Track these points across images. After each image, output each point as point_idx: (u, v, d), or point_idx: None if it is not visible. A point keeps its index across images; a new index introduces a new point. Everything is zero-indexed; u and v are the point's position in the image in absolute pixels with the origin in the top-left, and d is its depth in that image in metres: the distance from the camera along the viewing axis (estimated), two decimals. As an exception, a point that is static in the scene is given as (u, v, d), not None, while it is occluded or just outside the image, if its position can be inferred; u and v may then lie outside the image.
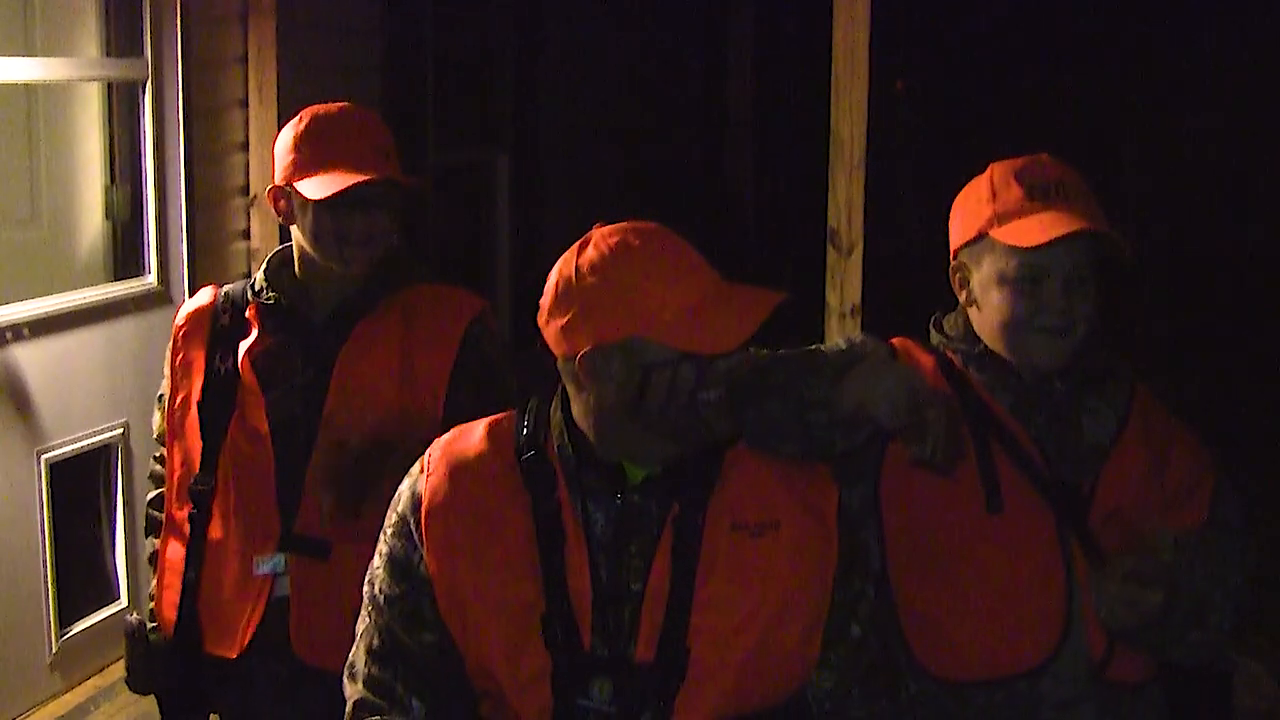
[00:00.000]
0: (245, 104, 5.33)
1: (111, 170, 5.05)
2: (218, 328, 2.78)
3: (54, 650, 4.49)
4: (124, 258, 5.07)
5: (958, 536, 2.28)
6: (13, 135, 4.91)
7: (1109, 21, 12.35)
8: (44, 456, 4.43)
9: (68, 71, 4.80)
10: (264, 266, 2.81)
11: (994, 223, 2.30)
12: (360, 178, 2.64)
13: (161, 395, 2.87)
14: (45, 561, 4.43)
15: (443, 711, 2.06)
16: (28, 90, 4.87)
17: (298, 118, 2.77)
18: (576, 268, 2.00)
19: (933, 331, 2.41)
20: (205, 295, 2.85)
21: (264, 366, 2.73)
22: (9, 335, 4.27)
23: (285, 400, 2.71)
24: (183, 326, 2.83)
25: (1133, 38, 12.38)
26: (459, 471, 2.07)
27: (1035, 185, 2.30)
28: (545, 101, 8.13)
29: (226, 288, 2.85)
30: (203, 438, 2.74)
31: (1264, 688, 2.50)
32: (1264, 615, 2.57)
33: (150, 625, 2.83)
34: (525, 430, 2.07)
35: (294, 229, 2.76)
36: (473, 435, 2.11)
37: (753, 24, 11.35)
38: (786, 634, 2.00)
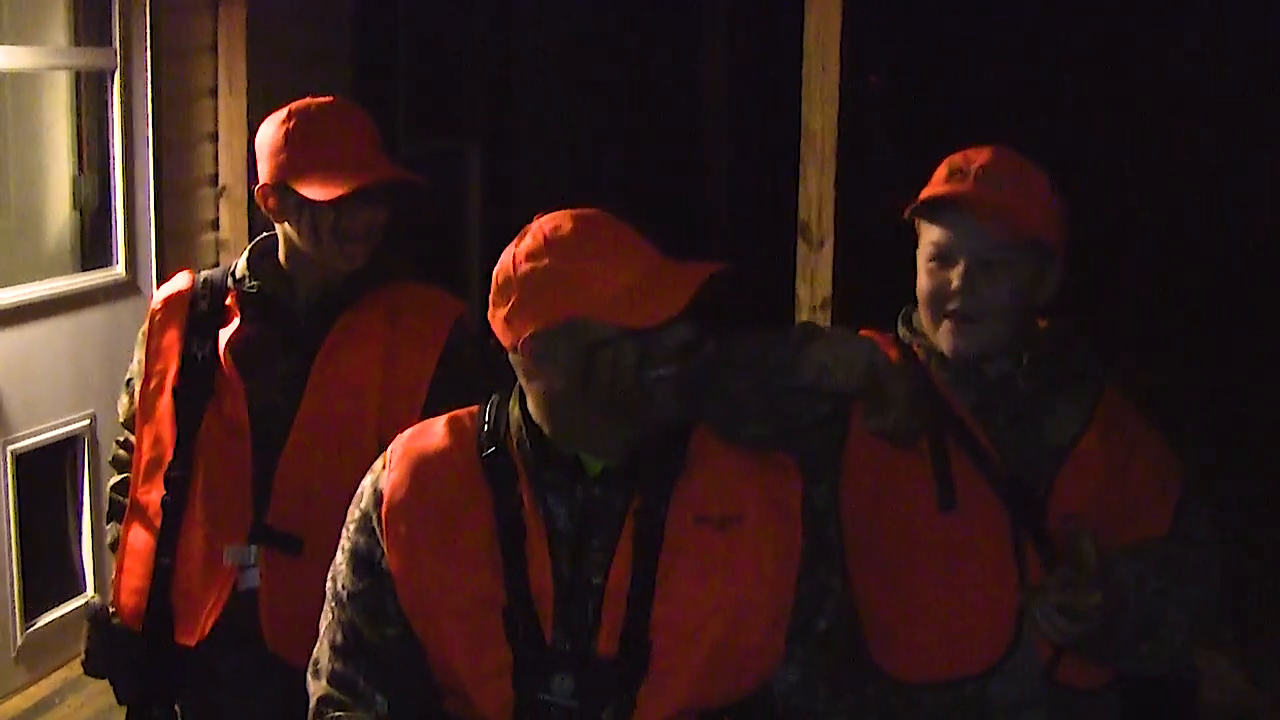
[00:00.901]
0: (215, 93, 5.30)
1: (79, 160, 5.02)
2: (196, 313, 2.76)
3: (19, 642, 4.47)
4: (92, 248, 5.04)
5: (910, 534, 2.26)
6: (-21, 124, 4.89)
7: (1089, 16, 12.39)
8: (10, 447, 4.40)
9: (35, 60, 4.77)
10: (246, 255, 2.79)
11: (917, 205, 2.31)
12: (365, 179, 2.64)
13: (130, 379, 2.85)
14: (11, 553, 4.41)
15: (407, 706, 2.05)
16: (-6, 78, 4.84)
17: (285, 114, 2.73)
18: (514, 257, 2.01)
19: (900, 325, 2.40)
20: (183, 280, 2.83)
21: (244, 355, 2.71)
22: (-24, 325, 4.25)
23: (264, 389, 2.69)
24: (159, 310, 2.80)
25: (1114, 32, 12.41)
26: (420, 467, 2.07)
27: (958, 168, 2.29)
28: (518, 91, 8.12)
29: (205, 273, 2.83)
30: (177, 424, 2.71)
31: (1231, 682, 2.50)
32: (1235, 613, 2.56)
33: (111, 609, 2.80)
34: (486, 426, 2.07)
35: (285, 225, 2.74)
36: (434, 431, 2.10)
37: (726, 15, 11.35)
38: (750, 628, 1.99)
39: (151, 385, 2.76)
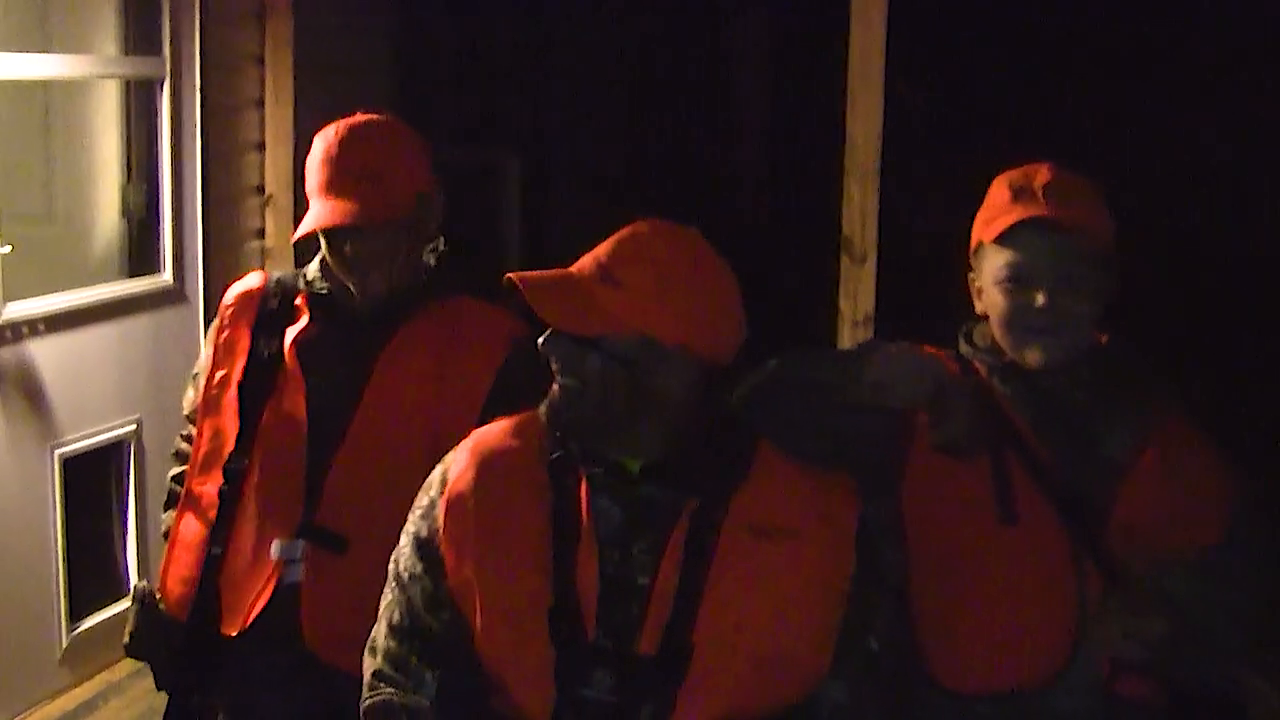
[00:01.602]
0: (261, 103, 5.34)
1: (128, 168, 5.06)
2: (266, 311, 2.79)
3: (64, 645, 4.50)
4: (139, 255, 5.08)
5: (971, 547, 2.28)
6: (29, 132, 4.93)
7: (1128, 29, 12.34)
8: (57, 451, 4.44)
9: (85, 68, 4.81)
10: (319, 258, 2.81)
11: (984, 227, 2.33)
12: (330, 221, 2.65)
13: (197, 373, 2.88)
14: (57, 556, 4.44)
15: (457, 688, 2.09)
16: (45, 87, 4.89)
17: (326, 130, 2.76)
18: None
19: (961, 342, 2.42)
20: (256, 278, 2.87)
21: (308, 354, 2.74)
22: (24, 330, 4.28)
23: (324, 389, 2.72)
24: (230, 306, 2.84)
25: (1151, 45, 12.36)
26: (487, 462, 2.12)
27: (1022, 187, 2.32)
28: (555, 103, 8.15)
29: (277, 274, 2.87)
30: (241, 418, 2.75)
31: (1275, 703, 2.49)
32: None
33: (157, 597, 2.83)
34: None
35: None
36: (508, 429, 2.16)
37: (767, 27, 11.34)
38: (794, 643, 2.00)
39: (217, 379, 2.79)
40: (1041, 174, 2.33)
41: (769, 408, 2.09)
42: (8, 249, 4.07)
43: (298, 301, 2.79)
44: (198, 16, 4.95)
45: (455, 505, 2.10)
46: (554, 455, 2.08)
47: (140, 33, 4.94)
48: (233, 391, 2.77)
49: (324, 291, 2.77)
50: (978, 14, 12.65)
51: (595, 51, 8.65)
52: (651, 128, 9.33)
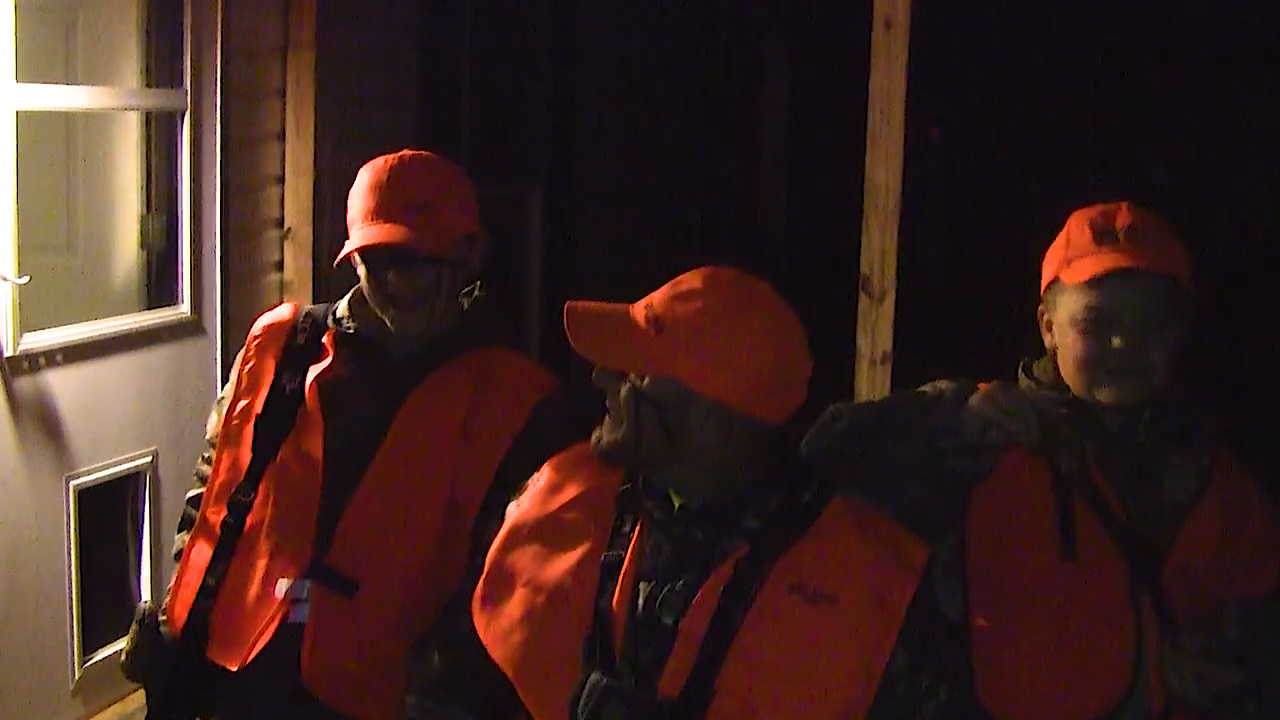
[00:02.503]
0: (282, 137, 5.35)
1: (148, 199, 5.07)
2: (293, 345, 2.78)
3: (77, 675, 4.49)
4: (158, 287, 5.09)
5: (1031, 581, 2.30)
6: (51, 163, 4.96)
7: (1150, 70, 12.34)
8: (73, 482, 4.44)
9: (107, 100, 4.84)
10: (349, 296, 2.80)
11: (1064, 266, 2.35)
12: (380, 239, 2.61)
13: (222, 399, 2.87)
14: (71, 587, 4.44)
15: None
16: (67, 118, 4.91)
17: (372, 163, 2.75)
18: None
19: (1022, 376, 2.43)
20: (286, 310, 2.86)
21: (330, 393, 2.72)
22: (42, 361, 4.29)
23: (345, 429, 2.70)
24: (258, 337, 2.83)
25: (1175, 88, 12.36)
26: (564, 482, 2.17)
27: (1104, 230, 2.34)
28: (579, 136, 8.16)
29: (308, 308, 2.85)
30: (254, 451, 2.73)
31: None
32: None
33: (162, 618, 2.82)
34: None
35: None
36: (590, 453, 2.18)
37: (788, 65, 11.37)
38: (816, 709, 1.97)
39: (239, 410, 2.79)
40: (1122, 215, 2.35)
41: (864, 454, 2.12)
42: (26, 279, 4.08)
43: (325, 340, 2.77)
44: (219, 49, 4.96)
45: (521, 513, 2.17)
46: (624, 487, 2.11)
47: (162, 65, 4.96)
48: (251, 425, 2.76)
49: (351, 330, 2.76)
50: (1002, 55, 12.67)
51: (618, 86, 8.67)
52: (673, 165, 9.35)
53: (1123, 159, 12.54)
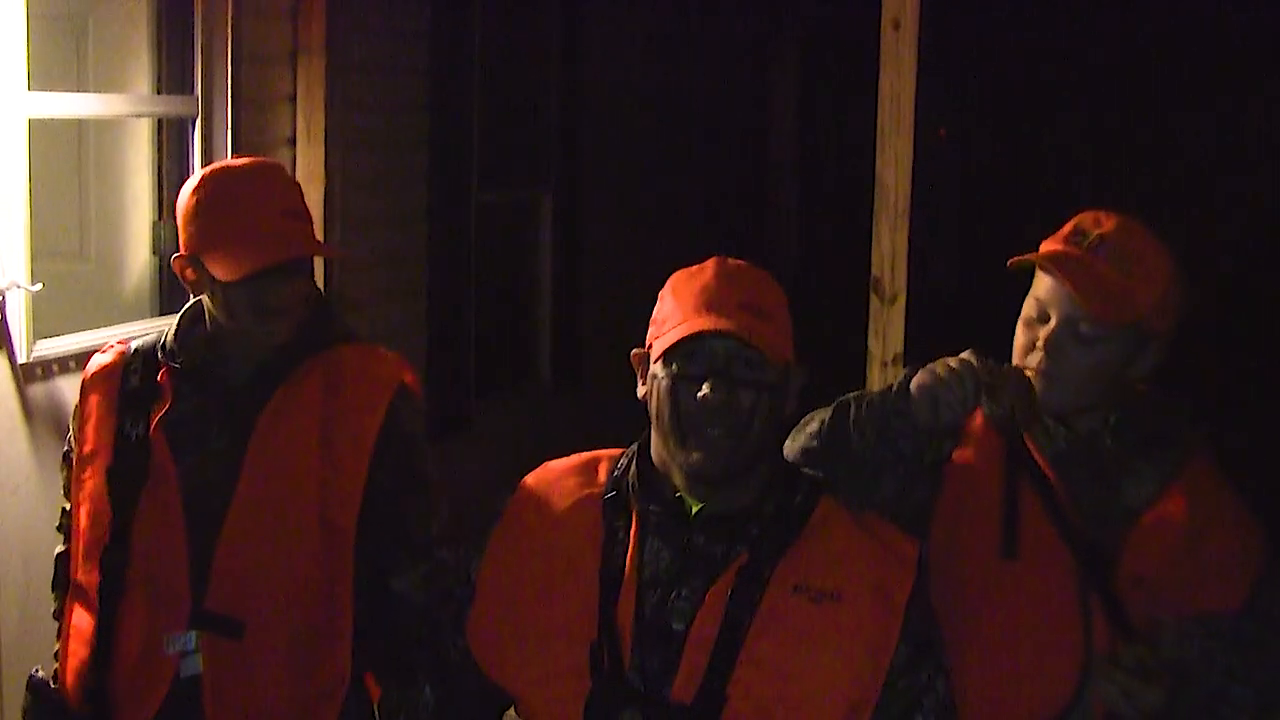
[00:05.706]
0: (293, 142, 5.37)
1: (160, 206, 5.09)
2: (127, 389, 2.66)
3: None
4: (170, 293, 5.10)
5: (976, 581, 2.28)
6: (63, 170, 4.96)
7: (1158, 71, 12.33)
8: (86, 489, 4.44)
9: (119, 107, 4.85)
10: (175, 326, 2.69)
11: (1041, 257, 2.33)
12: (275, 257, 2.53)
13: (67, 452, 2.76)
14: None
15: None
16: (78, 125, 4.92)
17: (198, 180, 2.65)
18: None
19: None
20: (111, 354, 2.74)
21: (177, 434, 2.60)
22: (55, 368, 4.29)
23: (201, 468, 2.59)
24: (89, 386, 2.72)
25: (1183, 89, 12.34)
26: (543, 499, 2.15)
27: (1080, 230, 2.31)
28: (589, 141, 8.16)
29: (136, 344, 2.73)
30: (112, 507, 2.61)
31: None
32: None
33: (54, 685, 2.73)
34: (616, 471, 2.13)
35: (204, 298, 2.64)
36: (571, 467, 2.18)
37: (798, 68, 11.37)
38: (827, 707, 1.98)
39: (85, 462, 2.67)
40: (1109, 225, 2.29)
41: (837, 453, 2.11)
42: (39, 286, 4.09)
43: (160, 378, 2.64)
44: (230, 56, 4.98)
45: (505, 535, 2.15)
46: (608, 495, 2.10)
47: (173, 72, 4.98)
48: (102, 478, 2.64)
49: (182, 366, 2.63)
50: (1011, 56, 12.67)
51: (629, 94, 8.68)
52: (683, 169, 9.36)
53: (1132, 161, 12.53)
